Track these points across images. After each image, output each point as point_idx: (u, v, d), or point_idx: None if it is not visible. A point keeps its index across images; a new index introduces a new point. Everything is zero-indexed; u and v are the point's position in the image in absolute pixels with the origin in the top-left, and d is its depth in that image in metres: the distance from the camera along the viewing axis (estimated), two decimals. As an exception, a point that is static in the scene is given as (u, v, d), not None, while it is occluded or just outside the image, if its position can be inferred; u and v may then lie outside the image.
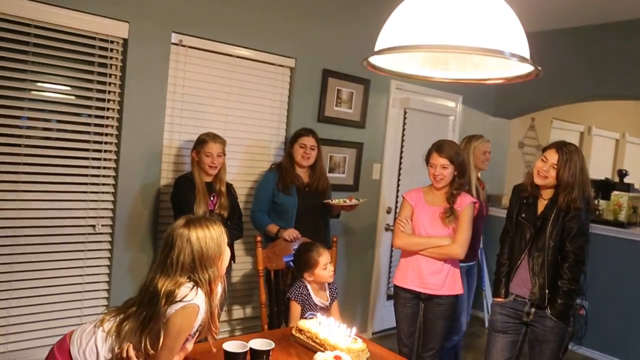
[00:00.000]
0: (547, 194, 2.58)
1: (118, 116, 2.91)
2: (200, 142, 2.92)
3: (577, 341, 4.39)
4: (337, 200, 3.29)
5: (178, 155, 3.21)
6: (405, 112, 4.37)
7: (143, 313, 1.68)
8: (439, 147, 2.80)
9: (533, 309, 2.56)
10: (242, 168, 3.47)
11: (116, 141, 2.92)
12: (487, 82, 1.90)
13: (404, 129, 4.39)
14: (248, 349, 1.78)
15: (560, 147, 2.50)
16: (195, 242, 1.68)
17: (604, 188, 4.47)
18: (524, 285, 2.60)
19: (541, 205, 2.60)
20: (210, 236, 1.71)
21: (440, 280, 2.80)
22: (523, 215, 2.62)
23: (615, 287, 4.19)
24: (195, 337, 1.84)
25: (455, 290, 2.84)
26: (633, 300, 4.14)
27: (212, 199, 2.95)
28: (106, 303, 2.96)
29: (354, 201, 3.26)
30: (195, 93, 3.22)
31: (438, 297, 2.80)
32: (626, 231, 4.24)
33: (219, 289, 1.98)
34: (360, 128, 4.05)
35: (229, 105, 3.38)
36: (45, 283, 2.78)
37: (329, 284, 2.69)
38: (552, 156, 2.49)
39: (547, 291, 2.51)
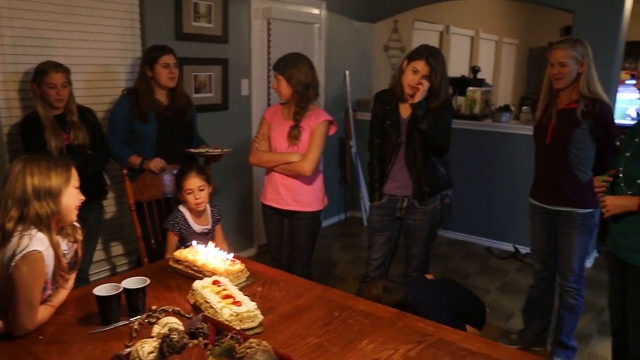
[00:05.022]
0: (410, 98, 2.66)
1: None
2: (41, 73, 2.63)
3: (443, 227, 4.89)
4: (199, 149, 3.07)
5: (22, 90, 2.87)
6: (269, 23, 4.22)
7: None
8: (276, 61, 2.77)
9: (405, 204, 2.77)
10: (93, 97, 3.15)
11: None
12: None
13: (269, 41, 4.27)
14: (122, 289, 1.71)
15: (428, 57, 2.57)
16: (23, 178, 1.60)
17: (461, 85, 4.77)
18: (396, 186, 2.78)
19: (404, 109, 2.72)
20: (38, 172, 1.62)
21: (296, 196, 2.81)
22: (388, 122, 2.74)
23: (474, 174, 4.64)
24: (58, 284, 1.74)
25: (313, 206, 2.85)
26: (490, 184, 4.63)
27: (66, 132, 2.71)
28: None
29: (217, 151, 3.04)
30: (28, 16, 2.83)
31: (298, 212, 2.84)
32: (480, 123, 4.64)
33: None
34: (223, 43, 3.86)
35: (72, 29, 3.03)
36: None
37: (211, 207, 2.64)
38: (423, 68, 2.57)
39: (424, 187, 2.72)
